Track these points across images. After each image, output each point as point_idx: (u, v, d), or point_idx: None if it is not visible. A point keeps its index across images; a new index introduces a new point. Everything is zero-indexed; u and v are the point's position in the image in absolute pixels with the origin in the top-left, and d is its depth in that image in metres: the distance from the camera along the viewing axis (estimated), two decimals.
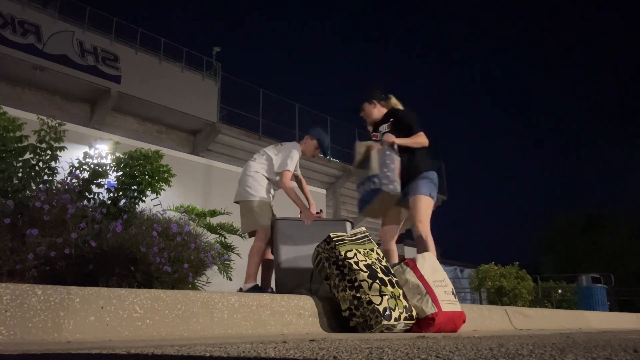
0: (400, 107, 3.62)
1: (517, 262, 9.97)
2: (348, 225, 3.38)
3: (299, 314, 2.38)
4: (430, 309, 2.60)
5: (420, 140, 3.35)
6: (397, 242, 3.54)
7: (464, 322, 2.79)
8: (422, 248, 3.18)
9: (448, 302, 2.70)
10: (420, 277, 2.71)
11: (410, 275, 2.72)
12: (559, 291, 12.74)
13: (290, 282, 3.20)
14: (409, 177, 3.30)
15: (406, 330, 2.54)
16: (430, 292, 2.65)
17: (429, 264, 2.82)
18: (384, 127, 3.50)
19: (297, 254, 3.24)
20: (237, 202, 3.64)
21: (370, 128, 3.69)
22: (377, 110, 3.61)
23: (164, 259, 3.05)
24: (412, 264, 2.77)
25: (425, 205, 3.27)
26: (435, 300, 2.63)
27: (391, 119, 3.50)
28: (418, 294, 2.65)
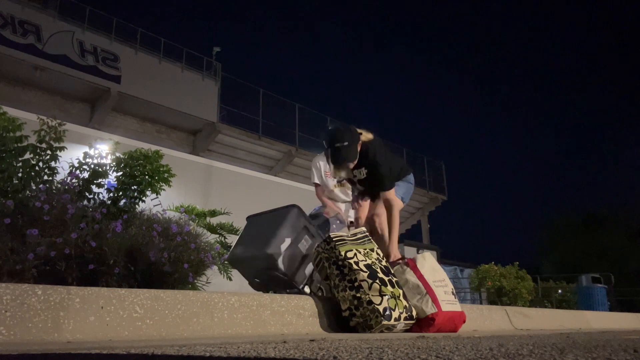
0: (365, 135, 3.04)
1: (517, 262, 9.98)
2: (294, 210, 2.98)
3: (299, 314, 2.38)
4: (430, 309, 2.60)
5: (396, 215, 3.05)
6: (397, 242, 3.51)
7: (464, 322, 2.79)
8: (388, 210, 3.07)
9: (448, 302, 2.71)
10: (420, 277, 2.71)
11: (410, 275, 2.72)
12: (559, 291, 12.75)
13: (241, 269, 3.20)
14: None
15: (406, 330, 2.55)
16: (430, 292, 2.65)
17: (429, 264, 2.82)
18: (360, 173, 3.09)
19: (246, 244, 3.16)
20: None
21: (337, 174, 3.16)
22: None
23: (164, 259, 3.05)
24: (412, 264, 2.78)
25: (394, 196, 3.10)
26: (435, 300, 2.63)
27: (366, 169, 3.05)
28: (418, 294, 2.65)
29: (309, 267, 2.92)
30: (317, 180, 3.99)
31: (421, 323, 2.60)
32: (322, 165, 3.98)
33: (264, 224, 3.08)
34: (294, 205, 2.99)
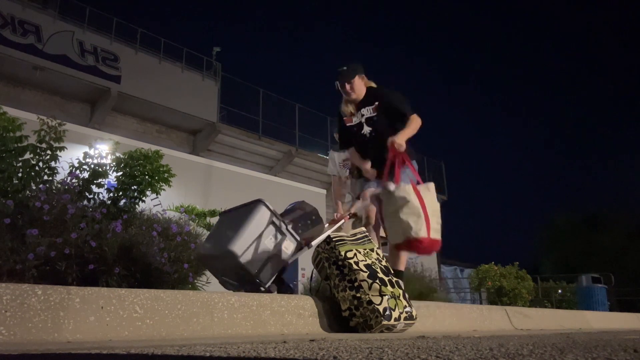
0: (373, 84, 3.34)
1: (517, 262, 9.97)
2: (260, 205, 2.78)
3: (299, 314, 2.38)
4: (422, 234, 2.64)
5: (417, 124, 3.13)
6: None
7: (439, 248, 2.82)
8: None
9: (435, 230, 2.74)
10: (422, 203, 2.73)
11: (414, 199, 2.73)
12: (559, 291, 12.74)
13: (208, 267, 3.09)
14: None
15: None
16: (426, 218, 2.68)
17: (432, 194, 2.85)
18: (368, 111, 3.26)
19: (212, 242, 3.00)
20: None
21: (347, 108, 3.34)
22: (363, 88, 3.29)
23: (164, 259, 3.05)
24: (417, 191, 2.77)
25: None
26: (428, 227, 2.67)
27: (376, 102, 3.23)
28: (417, 216, 2.67)
29: (277, 265, 2.75)
30: (333, 172, 4.01)
31: (410, 243, 2.63)
32: (336, 156, 4.01)
33: (230, 220, 2.93)
34: (259, 200, 2.80)
